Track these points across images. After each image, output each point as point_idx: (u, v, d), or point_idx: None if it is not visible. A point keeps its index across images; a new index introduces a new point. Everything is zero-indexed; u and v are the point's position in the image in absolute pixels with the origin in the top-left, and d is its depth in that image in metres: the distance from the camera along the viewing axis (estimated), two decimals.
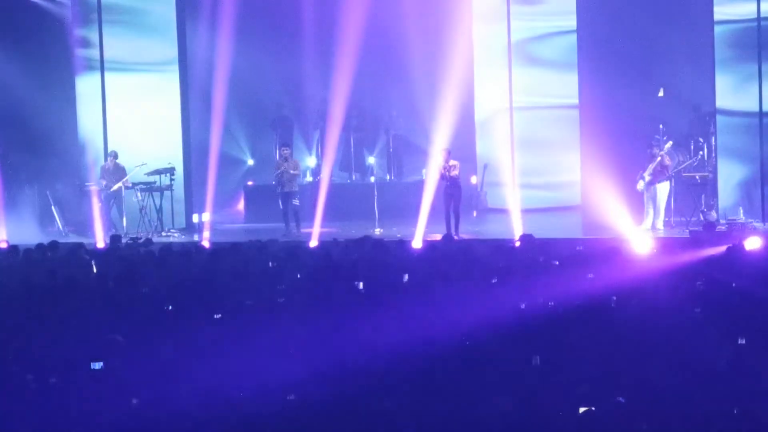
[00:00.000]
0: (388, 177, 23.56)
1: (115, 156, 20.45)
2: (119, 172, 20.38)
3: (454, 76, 22.59)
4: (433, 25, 23.74)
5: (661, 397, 6.77)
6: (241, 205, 24.23)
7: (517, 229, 18.42)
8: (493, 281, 10.93)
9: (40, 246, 14.39)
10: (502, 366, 7.49)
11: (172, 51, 21.42)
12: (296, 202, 19.91)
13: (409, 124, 24.11)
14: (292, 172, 19.97)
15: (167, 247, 14.03)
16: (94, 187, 20.54)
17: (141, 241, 15.75)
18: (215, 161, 21.81)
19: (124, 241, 15.89)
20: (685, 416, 6.57)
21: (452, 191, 18.74)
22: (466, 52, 22.94)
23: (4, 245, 16.59)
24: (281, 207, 19.90)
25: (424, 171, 23.49)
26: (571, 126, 22.62)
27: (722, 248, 12.38)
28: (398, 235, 17.77)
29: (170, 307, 9.88)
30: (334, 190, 22.31)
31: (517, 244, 14.56)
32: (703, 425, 6.52)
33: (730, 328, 8.35)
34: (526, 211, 20.38)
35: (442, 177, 18.74)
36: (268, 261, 13.00)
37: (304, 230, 19.56)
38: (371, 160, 24.02)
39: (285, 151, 20.38)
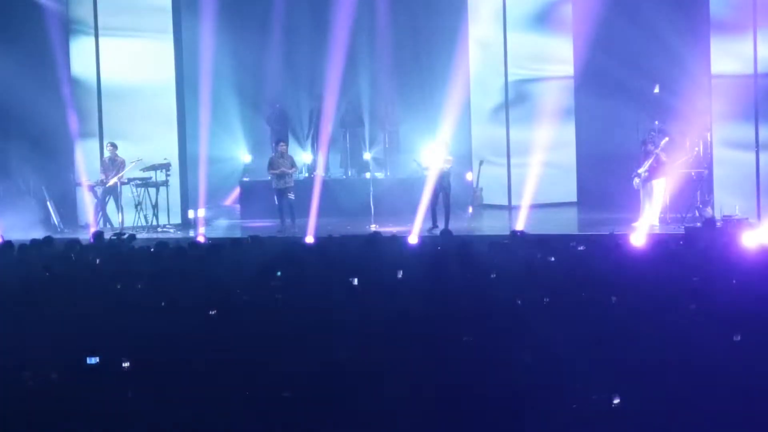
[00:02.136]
0: (380, 174, 23.49)
1: (114, 146, 20.36)
2: (117, 165, 20.32)
3: (449, 71, 22.67)
4: (427, 19, 23.81)
5: (656, 395, 6.77)
6: (229, 201, 24.26)
7: (514, 224, 18.46)
8: (492, 276, 10.94)
9: (35, 241, 14.35)
10: (496, 362, 7.48)
11: (168, 46, 21.37)
12: (291, 196, 19.96)
13: (405, 120, 24.13)
14: (288, 170, 20.04)
15: (162, 243, 14.00)
16: (88, 182, 20.55)
17: (125, 237, 15.58)
18: (204, 157, 21.82)
19: (107, 237, 15.75)
20: (680, 414, 6.57)
21: (445, 184, 18.91)
22: (461, 47, 23.02)
23: None
24: (276, 203, 19.97)
25: (418, 166, 23.56)
26: (568, 122, 22.74)
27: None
28: (393, 231, 17.80)
29: (164, 304, 9.85)
30: (330, 185, 22.37)
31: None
32: (699, 423, 6.52)
33: (726, 324, 8.34)
34: (521, 207, 20.54)
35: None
36: (264, 257, 12.98)
37: (299, 220, 19.66)
38: (367, 156, 24.01)
39: (282, 147, 20.45)
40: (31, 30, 21.03)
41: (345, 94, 23.75)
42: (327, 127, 23.40)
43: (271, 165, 20.21)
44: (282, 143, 20.70)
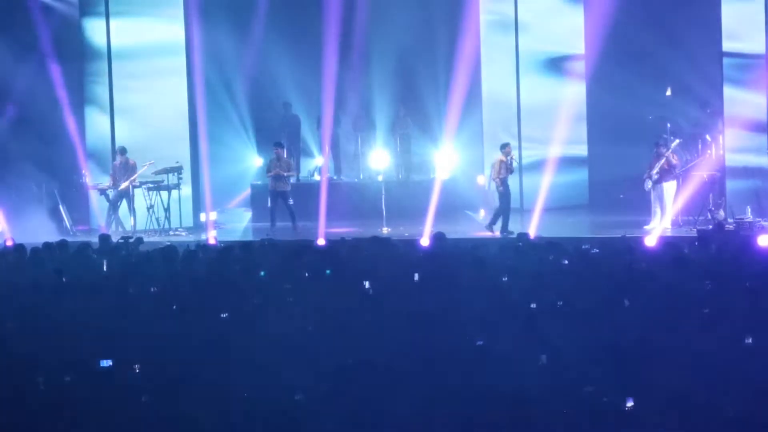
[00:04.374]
0: (382, 177, 23.44)
1: (123, 151, 20.38)
2: (129, 169, 20.34)
3: (461, 77, 22.63)
4: (439, 22, 23.78)
5: (669, 398, 6.75)
6: (234, 204, 24.26)
7: (526, 227, 18.42)
8: (504, 279, 10.93)
9: (47, 245, 14.35)
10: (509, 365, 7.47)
11: (180, 50, 21.38)
12: (290, 201, 20.28)
13: (416, 124, 24.11)
14: (284, 173, 20.31)
15: (173, 247, 13.97)
16: (93, 185, 20.60)
17: (132, 240, 15.53)
18: (206, 159, 21.85)
19: (115, 240, 15.72)
20: (692, 416, 6.56)
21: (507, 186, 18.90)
22: (472, 51, 22.96)
23: (10, 243, 16.55)
24: (269, 205, 20.23)
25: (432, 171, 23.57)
26: (579, 124, 22.69)
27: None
28: (406, 234, 17.79)
29: (176, 307, 9.86)
30: (341, 189, 22.37)
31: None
32: (709, 425, 6.51)
33: (738, 327, 8.32)
34: (533, 210, 20.50)
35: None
36: (275, 260, 12.98)
37: (300, 223, 19.88)
38: (379, 159, 23.98)
39: (278, 151, 20.68)
40: (45, 32, 21.03)
41: (356, 98, 23.79)
42: (338, 131, 23.45)
43: (268, 168, 20.73)
44: (278, 147, 20.80)
